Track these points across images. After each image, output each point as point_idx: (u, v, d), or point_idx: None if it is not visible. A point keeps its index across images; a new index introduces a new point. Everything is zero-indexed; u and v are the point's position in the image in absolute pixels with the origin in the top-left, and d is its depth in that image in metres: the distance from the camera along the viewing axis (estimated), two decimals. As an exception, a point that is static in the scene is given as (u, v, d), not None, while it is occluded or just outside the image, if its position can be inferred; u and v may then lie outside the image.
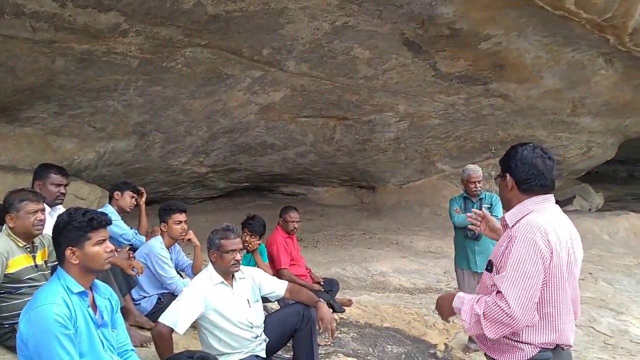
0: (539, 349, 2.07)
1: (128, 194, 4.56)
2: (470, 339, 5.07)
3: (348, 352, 4.47)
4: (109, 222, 2.36)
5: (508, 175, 2.22)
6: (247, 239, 4.67)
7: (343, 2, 6.33)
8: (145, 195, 4.89)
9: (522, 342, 2.08)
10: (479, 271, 4.87)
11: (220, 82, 7.62)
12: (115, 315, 2.49)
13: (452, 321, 5.57)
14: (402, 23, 6.88)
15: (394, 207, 11.30)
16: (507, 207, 2.28)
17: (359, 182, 11.99)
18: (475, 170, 4.95)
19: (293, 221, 5.23)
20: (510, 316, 1.98)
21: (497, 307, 2.01)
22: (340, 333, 4.85)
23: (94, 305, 2.38)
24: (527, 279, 1.99)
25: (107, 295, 2.43)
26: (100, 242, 2.31)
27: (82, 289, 2.28)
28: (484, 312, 2.04)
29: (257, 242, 4.73)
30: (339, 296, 5.52)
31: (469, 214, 2.90)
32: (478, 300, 2.09)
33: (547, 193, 2.19)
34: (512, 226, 2.15)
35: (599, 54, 7.95)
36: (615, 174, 14.79)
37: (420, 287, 7.12)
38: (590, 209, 12.29)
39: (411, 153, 10.66)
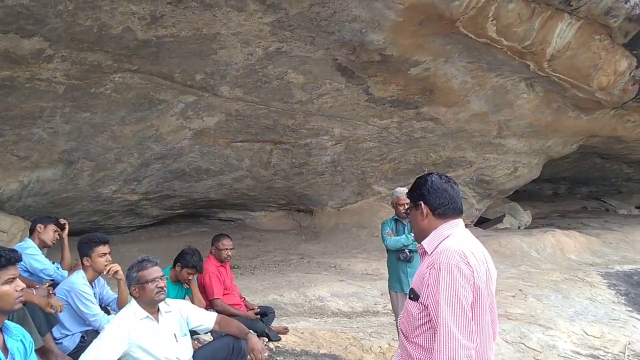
0: None
1: (51, 228, 4.37)
2: (406, 362, 5.11)
3: (284, 382, 4.41)
4: (18, 259, 2.24)
5: (422, 203, 2.25)
6: (183, 274, 4.54)
7: (275, 29, 6.38)
8: (67, 227, 4.69)
9: None
10: (411, 293, 4.93)
11: (152, 107, 7.48)
12: (29, 358, 2.35)
13: (389, 344, 5.62)
14: (334, 49, 7.00)
15: (332, 229, 11.34)
16: (420, 236, 2.29)
17: (297, 206, 11.98)
18: (403, 192, 5.03)
19: (226, 249, 5.13)
20: (464, 346, 1.98)
21: (447, 348, 2.00)
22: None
23: (5, 349, 2.24)
24: (461, 305, 2.00)
25: (19, 337, 2.30)
26: (10, 281, 2.18)
27: (-10, 333, 2.14)
28: None
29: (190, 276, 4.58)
30: (275, 324, 5.44)
31: None
32: None
33: (458, 217, 2.25)
34: (431, 253, 2.17)
35: (520, 78, 8.35)
36: (542, 192, 15.46)
37: (358, 310, 7.14)
38: (519, 227, 12.77)
39: (348, 176, 10.77)
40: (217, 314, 3.40)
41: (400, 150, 10.27)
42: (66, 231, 4.66)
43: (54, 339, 3.58)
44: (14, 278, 2.19)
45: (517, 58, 7.40)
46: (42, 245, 4.29)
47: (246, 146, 9.33)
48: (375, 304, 7.34)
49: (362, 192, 11.39)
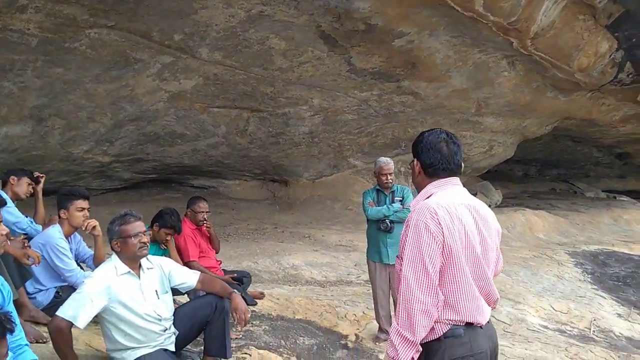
0: (448, 326, 2.08)
1: (25, 180, 4.22)
2: (380, 330, 5.15)
3: (260, 345, 4.39)
4: (3, 203, 2.13)
5: (415, 160, 2.28)
6: (161, 235, 4.46)
7: (259, -10, 6.22)
8: (42, 181, 4.53)
9: (437, 322, 2.09)
10: (390, 263, 4.94)
11: (128, 66, 7.24)
12: (8, 307, 2.25)
13: (363, 312, 5.66)
14: (318, 15, 6.86)
15: (306, 201, 11.31)
16: (418, 191, 2.33)
17: (272, 176, 11.88)
18: (387, 162, 5.02)
19: (202, 211, 5.05)
20: (420, 301, 2.00)
21: (404, 302, 2.04)
22: (252, 326, 4.75)
23: (-18, 297, 2.14)
24: (423, 262, 2.02)
25: (-4, 284, 2.19)
26: None
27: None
28: (397, 323, 2.06)
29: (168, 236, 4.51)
30: (250, 289, 5.41)
31: None
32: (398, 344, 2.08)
33: (450, 176, 2.23)
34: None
35: (503, 56, 8.36)
36: (512, 173, 15.70)
37: (332, 279, 7.16)
38: (490, 205, 12.92)
39: (324, 148, 10.70)
40: (200, 272, 3.34)
41: (378, 124, 10.23)
42: (41, 185, 4.50)
43: (28, 293, 3.47)
44: None
45: (501, 34, 7.39)
46: (15, 198, 4.14)
47: (223, 112, 9.15)
48: (348, 274, 7.38)
49: (338, 164, 11.35)
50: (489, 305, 2.22)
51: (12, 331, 1.66)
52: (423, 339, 2.07)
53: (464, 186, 2.30)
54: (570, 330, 6.11)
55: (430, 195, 2.18)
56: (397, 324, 2.05)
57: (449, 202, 2.13)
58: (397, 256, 2.25)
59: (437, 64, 8.31)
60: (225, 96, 8.66)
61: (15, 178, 4.19)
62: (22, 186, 4.17)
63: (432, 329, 2.07)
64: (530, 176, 17.04)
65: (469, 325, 2.10)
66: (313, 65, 8.15)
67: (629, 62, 8.30)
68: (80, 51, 6.62)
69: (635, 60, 8.26)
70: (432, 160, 2.21)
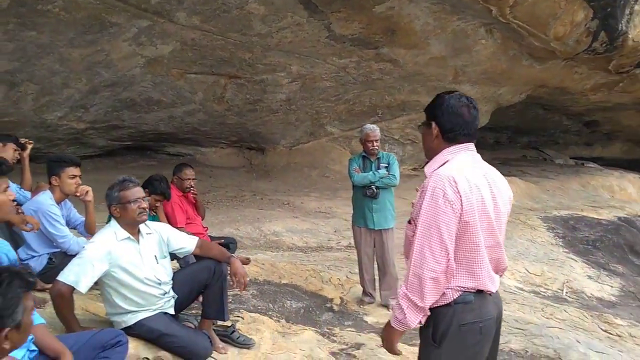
0: (459, 293, 2.08)
1: (11, 147, 4.13)
2: (364, 293, 5.28)
3: (249, 309, 4.46)
4: (10, 169, 2.12)
5: (434, 123, 2.17)
6: (151, 201, 4.44)
7: (239, -48, 6.09)
8: (29, 147, 4.44)
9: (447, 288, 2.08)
10: (375, 228, 5.04)
11: (103, 30, 7.05)
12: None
13: (347, 276, 5.78)
14: (299, -20, 6.78)
15: (283, 168, 11.33)
16: (430, 155, 2.25)
17: (249, 144, 11.83)
18: (373, 129, 5.06)
19: (188, 178, 5.02)
20: (432, 268, 1.99)
21: (415, 267, 2.03)
22: (240, 291, 4.81)
23: (-14, 262, 2.13)
24: (438, 231, 1.99)
25: (3, 251, 2.19)
26: (4, 190, 2.06)
27: (-24, 243, 2.03)
28: (406, 287, 2.04)
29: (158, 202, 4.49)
30: (236, 255, 5.45)
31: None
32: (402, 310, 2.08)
33: (468, 142, 2.18)
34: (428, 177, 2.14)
35: (481, 24, 8.41)
36: (484, 141, 15.92)
37: (313, 245, 7.26)
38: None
39: (302, 115, 10.68)
40: (198, 238, 3.36)
41: (356, 91, 10.24)
42: (27, 151, 4.42)
43: (20, 260, 3.44)
44: (7, 187, 2.07)
45: (481, 2, 7.41)
46: None
47: (200, 78, 9.03)
48: (329, 240, 7.49)
49: (315, 132, 11.36)
50: (498, 273, 2.22)
51: (34, 284, 1.69)
52: (432, 303, 2.06)
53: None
54: (544, 292, 6.36)
55: (445, 163, 2.12)
56: (407, 289, 2.04)
57: (467, 169, 2.08)
58: (408, 221, 2.22)
59: (417, 31, 8.32)
60: (203, 62, 8.54)
61: (1, 144, 4.09)
62: (8, 152, 4.08)
63: (443, 294, 2.07)
64: (501, 143, 17.32)
65: (479, 292, 2.10)
66: (292, 31, 8.08)
67: (603, 31, 8.43)
68: (54, 14, 6.43)
69: (609, 29, 8.41)
70: (453, 125, 2.13)
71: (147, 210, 3.00)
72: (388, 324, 2.15)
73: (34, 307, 1.75)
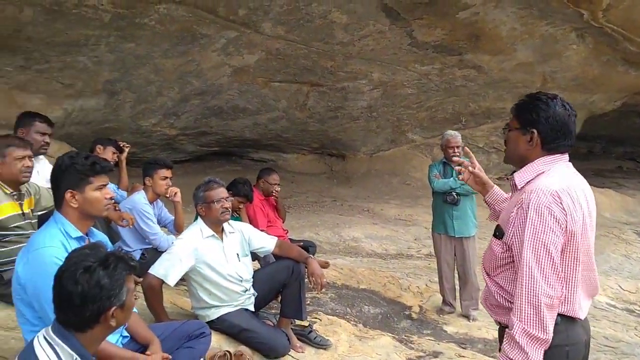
0: None
1: (110, 150, 4.45)
2: (444, 302, 5.20)
3: (327, 311, 4.54)
4: (110, 168, 2.31)
5: (535, 131, 1.98)
6: (234, 203, 4.64)
7: (323, -37, 6.23)
8: (126, 151, 4.77)
9: None
10: (455, 236, 4.97)
11: (194, 41, 7.42)
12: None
13: (426, 285, 5.72)
14: (382, -12, 6.83)
15: (363, 175, 11.38)
16: (517, 163, 2.08)
17: (330, 150, 11.98)
18: (454, 135, 5.00)
19: (276, 183, 5.19)
20: (547, 294, 1.83)
21: (528, 294, 1.86)
22: (318, 293, 4.90)
23: (89, 253, 2.32)
24: (548, 251, 1.83)
25: (102, 242, 2.38)
26: (101, 188, 2.25)
27: (80, 234, 2.22)
28: (521, 320, 1.86)
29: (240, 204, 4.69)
30: (315, 259, 5.55)
31: (455, 158, 2.78)
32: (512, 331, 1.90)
33: (566, 152, 2.02)
34: (521, 188, 1.99)
35: (572, 28, 8.08)
36: (576, 150, 15.20)
37: (392, 252, 7.24)
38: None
39: (383, 122, 10.69)
40: (277, 238, 3.48)
41: (438, 98, 10.12)
42: (125, 154, 4.74)
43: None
44: (104, 185, 2.26)
45: (571, 6, 7.14)
46: None
47: (284, 87, 9.28)
48: (408, 248, 7.44)
49: (396, 139, 11.32)
50: (590, 297, 2.06)
51: (135, 268, 1.83)
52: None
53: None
54: (639, 310, 5.98)
55: (541, 174, 1.96)
56: (522, 322, 1.85)
57: (570, 185, 1.92)
58: (495, 235, 2.06)
59: (502, 37, 8.12)
60: (286, 71, 8.77)
61: (102, 147, 4.42)
62: (108, 155, 4.39)
63: None
64: (594, 153, 16.45)
65: (567, 316, 1.93)
66: (374, 39, 8.12)
67: None
68: (150, 27, 6.83)
69: None
70: (558, 135, 1.96)
71: (230, 210, 3.15)
72: None
73: (135, 289, 1.89)
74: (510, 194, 2.19)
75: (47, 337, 1.71)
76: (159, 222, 3.99)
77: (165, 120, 8.98)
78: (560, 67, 9.06)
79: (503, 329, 2.07)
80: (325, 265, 5.50)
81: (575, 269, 1.92)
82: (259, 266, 4.33)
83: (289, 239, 5.43)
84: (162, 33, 7.02)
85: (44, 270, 1.99)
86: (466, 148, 2.33)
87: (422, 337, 4.56)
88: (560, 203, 1.85)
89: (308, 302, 4.67)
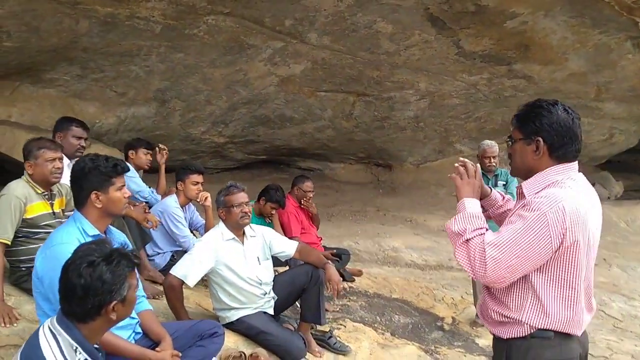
0: (536, 329, 1.91)
1: (141, 152, 4.63)
2: (478, 316, 5.10)
3: (356, 319, 4.55)
4: (127, 169, 2.45)
5: (541, 139, 1.95)
6: (267, 208, 4.75)
7: (367, -26, 6.27)
8: (166, 154, 4.94)
9: (524, 323, 1.92)
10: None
11: (242, 51, 7.61)
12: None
13: (462, 297, 5.63)
14: (426, -3, 6.79)
15: (410, 186, 11.29)
16: (525, 174, 2.04)
17: (376, 160, 11.96)
18: (491, 145, 4.94)
19: (309, 190, 5.27)
20: (480, 269, 1.86)
21: (480, 253, 1.88)
22: (349, 301, 4.93)
23: (107, 251, 2.45)
24: (521, 249, 1.82)
25: (120, 240, 2.50)
26: (121, 188, 2.40)
27: (98, 232, 2.36)
28: (469, 239, 1.93)
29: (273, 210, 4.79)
30: (349, 266, 5.57)
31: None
32: (479, 228, 1.96)
33: (575, 160, 1.99)
34: (528, 196, 1.95)
35: (626, 37, 7.77)
36: (637, 164, 14.53)
37: (432, 264, 7.16)
38: (609, 197, 12.15)
39: (430, 133, 10.59)
40: (298, 242, 3.54)
41: (487, 109, 9.94)
42: (165, 158, 4.92)
43: (147, 255, 3.86)
44: (124, 185, 2.40)
45: (625, 14, 6.88)
46: (138, 169, 4.58)
47: (330, 96, 9.35)
48: (449, 260, 7.31)
49: (444, 150, 11.18)
50: (590, 316, 2.02)
51: (138, 265, 1.94)
52: (507, 334, 1.93)
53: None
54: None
55: (551, 184, 1.92)
56: (456, 232, 1.97)
57: (579, 198, 1.88)
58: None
59: (553, 46, 7.89)
60: (332, 80, 8.84)
61: (134, 152, 4.63)
62: (140, 158, 4.59)
63: (519, 324, 1.92)
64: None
65: (563, 333, 1.91)
66: (420, 49, 8.08)
67: None
68: (199, 37, 7.06)
69: None
70: (565, 141, 1.93)
71: (250, 214, 3.24)
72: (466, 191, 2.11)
73: (137, 286, 1.99)
74: (515, 200, 2.16)
75: (51, 326, 1.82)
76: (190, 226, 4.13)
77: (213, 128, 9.24)
78: (615, 78, 8.72)
79: (497, 340, 2.05)
80: (358, 273, 5.53)
81: (578, 287, 1.89)
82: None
83: (323, 246, 5.49)
84: (210, 43, 7.25)
85: (59, 265, 2.10)
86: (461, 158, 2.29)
87: (452, 349, 4.50)
88: (563, 219, 1.80)
89: (338, 309, 4.72)
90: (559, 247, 1.82)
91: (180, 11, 6.46)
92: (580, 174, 2.03)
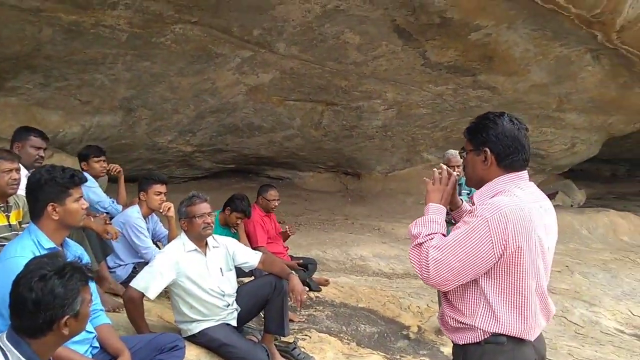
0: (491, 333, 1.95)
1: (93, 161, 4.56)
2: (443, 324, 5.15)
3: (321, 329, 4.54)
4: (85, 180, 2.42)
5: (488, 150, 2.00)
6: (232, 218, 4.72)
7: (334, -15, 6.32)
8: (121, 175, 4.85)
9: (478, 328, 1.96)
10: (454, 255, 4.93)
11: (210, 60, 7.58)
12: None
13: (428, 305, 5.68)
14: (393, 9, 6.87)
15: (378, 194, 11.37)
16: (477, 184, 2.10)
17: (345, 169, 12.02)
18: (455, 154, 5.02)
19: (274, 199, 5.27)
20: (425, 271, 1.93)
21: (425, 253, 1.95)
22: (315, 311, 4.92)
23: (64, 263, 2.41)
24: (463, 252, 1.87)
25: (77, 253, 2.46)
26: (79, 199, 2.35)
27: (54, 245, 2.31)
28: (421, 243, 2.00)
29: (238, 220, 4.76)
30: (316, 276, 5.57)
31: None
32: (434, 233, 2.01)
33: (523, 170, 2.03)
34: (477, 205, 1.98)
35: (586, 50, 8.01)
36: (599, 173, 14.96)
37: (399, 272, 7.21)
38: (572, 205, 12.44)
39: (398, 142, 10.70)
40: (262, 253, 3.53)
41: (453, 118, 10.10)
42: (120, 177, 4.84)
43: (108, 267, 3.80)
44: (81, 197, 2.36)
45: (584, 27, 7.09)
46: (96, 177, 4.49)
47: (298, 105, 9.38)
48: (416, 268, 7.39)
49: (411, 159, 11.31)
50: (547, 321, 2.07)
51: (92, 279, 1.90)
52: (462, 340, 1.98)
53: (545, 184, 2.11)
54: (648, 336, 5.83)
55: (498, 193, 1.97)
56: (415, 233, 2.01)
57: (525, 205, 1.93)
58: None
59: (516, 58, 8.08)
60: (301, 90, 8.87)
61: (85, 163, 4.56)
62: (94, 167, 4.51)
63: (473, 330, 1.96)
64: (618, 177, 16.14)
65: (515, 337, 1.95)
66: (387, 59, 8.17)
67: None
68: (166, 46, 7.01)
69: None
70: (511, 151, 1.98)
71: (212, 225, 3.22)
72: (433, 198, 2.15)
73: (91, 300, 1.96)
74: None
75: (0, 343, 1.78)
76: (153, 237, 4.08)
77: (181, 137, 9.16)
78: (576, 89, 8.97)
79: (454, 346, 2.09)
80: (325, 283, 5.54)
81: (528, 292, 1.93)
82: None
83: (290, 256, 5.49)
84: (178, 52, 7.20)
85: (12, 279, 2.06)
86: (442, 164, 2.35)
87: (417, 358, 4.53)
88: (505, 225, 1.86)
89: (304, 319, 4.71)
90: (503, 253, 1.87)
91: (147, 20, 6.41)
92: (531, 182, 2.09)
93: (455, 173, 4.82)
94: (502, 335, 1.93)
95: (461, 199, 2.36)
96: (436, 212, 2.10)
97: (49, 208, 2.29)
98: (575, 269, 7.66)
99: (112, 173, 4.82)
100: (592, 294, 6.74)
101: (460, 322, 2.01)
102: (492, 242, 1.86)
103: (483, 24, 7.26)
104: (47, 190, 2.31)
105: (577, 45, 7.86)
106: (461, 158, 2.18)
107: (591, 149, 11.38)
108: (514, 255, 1.88)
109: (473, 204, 2.08)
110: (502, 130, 1.99)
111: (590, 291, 6.86)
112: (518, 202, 1.92)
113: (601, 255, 8.49)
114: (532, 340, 1.99)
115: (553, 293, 6.39)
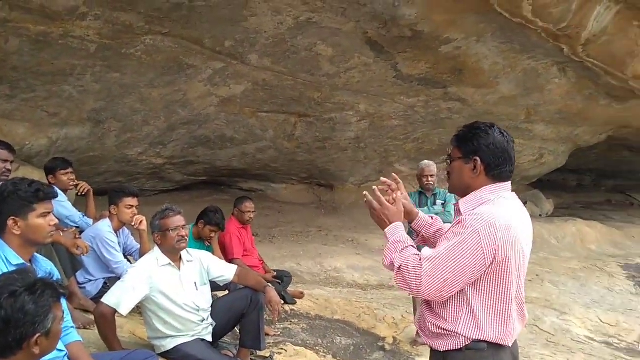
0: (471, 340, 1.98)
1: (59, 174, 4.47)
2: (418, 333, 5.16)
3: (297, 342, 4.50)
4: (55, 195, 2.33)
5: (478, 159, 2.04)
6: (206, 232, 4.65)
7: (307, -3, 6.34)
8: (87, 190, 4.76)
9: (460, 335, 1.98)
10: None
11: (181, 72, 7.51)
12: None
13: (402, 316, 5.68)
14: (365, 22, 6.93)
15: (351, 206, 11.39)
16: (462, 191, 2.13)
17: (318, 180, 12.02)
18: (429, 164, 5.06)
19: (249, 211, 5.23)
20: (416, 285, 1.92)
21: (413, 269, 1.94)
22: (290, 324, 4.87)
23: (33, 280, 2.32)
24: (455, 263, 1.88)
25: (47, 269, 2.38)
26: (45, 215, 2.27)
27: (22, 261, 2.23)
28: (400, 265, 1.98)
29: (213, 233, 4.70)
30: (291, 289, 5.53)
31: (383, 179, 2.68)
32: (403, 249, 2.02)
33: (508, 180, 2.08)
34: (463, 213, 2.02)
35: (553, 63, 8.20)
36: (566, 183, 15.29)
37: (373, 283, 7.21)
38: (540, 215, 12.67)
39: (370, 153, 10.75)
40: (237, 266, 3.48)
41: (425, 130, 10.21)
42: (89, 191, 4.74)
43: (78, 283, 3.69)
44: (49, 212, 2.28)
45: (551, 41, 7.27)
46: (65, 190, 4.39)
47: (271, 117, 9.35)
48: (390, 279, 7.39)
49: (384, 170, 11.36)
50: (522, 326, 2.12)
51: (64, 296, 1.83)
52: (443, 346, 2.00)
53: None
54: (617, 343, 5.94)
55: (484, 203, 2.00)
56: (397, 263, 1.99)
57: (511, 216, 1.97)
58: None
59: (485, 71, 8.23)
60: (274, 101, 8.85)
61: (52, 176, 4.45)
62: (61, 180, 4.41)
63: (455, 337, 1.98)
64: (584, 186, 16.55)
65: (493, 343, 1.98)
66: (360, 71, 8.23)
67: (688, 68, 7.98)
68: (136, 57, 6.92)
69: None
70: (501, 162, 2.03)
71: (187, 238, 3.16)
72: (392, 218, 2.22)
73: (63, 317, 1.89)
74: (452, 218, 2.25)
75: None
76: (124, 251, 3.99)
77: (151, 149, 9.02)
78: (543, 101, 9.17)
79: (434, 353, 2.10)
80: (300, 295, 5.50)
81: (510, 300, 1.97)
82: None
83: (263, 268, 5.43)
84: (148, 63, 7.11)
85: (-22, 296, 1.98)
86: (394, 174, 2.38)
87: (393, 370, 4.51)
88: (495, 235, 1.89)
89: (279, 332, 4.65)
90: (492, 262, 1.90)
91: (116, 31, 6.32)
92: (513, 193, 2.13)
93: (431, 181, 4.87)
94: (483, 341, 1.96)
95: (434, 207, 2.39)
96: (393, 232, 2.15)
97: (10, 222, 2.21)
98: (545, 277, 7.78)
99: (79, 193, 4.71)
100: (562, 302, 6.85)
101: (442, 328, 2.03)
102: (484, 253, 1.89)
103: (453, 37, 7.37)
104: (10, 203, 2.23)
105: (544, 58, 8.05)
106: (446, 165, 2.19)
107: (559, 159, 11.64)
108: (501, 265, 1.92)
109: (458, 211, 2.11)
110: (494, 141, 2.04)
111: (561, 299, 6.97)
112: (504, 212, 1.96)
113: (570, 264, 8.65)
114: (510, 345, 2.03)
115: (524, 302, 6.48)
